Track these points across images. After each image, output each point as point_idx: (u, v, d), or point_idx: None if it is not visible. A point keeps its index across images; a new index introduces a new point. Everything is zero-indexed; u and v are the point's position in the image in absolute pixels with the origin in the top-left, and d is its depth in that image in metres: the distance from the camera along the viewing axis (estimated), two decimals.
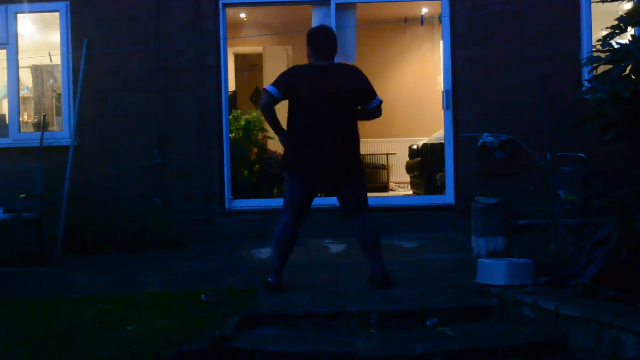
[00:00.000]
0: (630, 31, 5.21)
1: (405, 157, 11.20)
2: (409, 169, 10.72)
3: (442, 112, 7.95)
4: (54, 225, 7.27)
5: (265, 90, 5.41)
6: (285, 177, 5.49)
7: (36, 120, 9.36)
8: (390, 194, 11.38)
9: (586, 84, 5.35)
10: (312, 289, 5.44)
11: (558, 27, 7.68)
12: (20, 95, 8.43)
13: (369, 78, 5.71)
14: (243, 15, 11.16)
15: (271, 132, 9.82)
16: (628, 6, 5.47)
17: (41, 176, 7.17)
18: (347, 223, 5.62)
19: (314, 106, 5.35)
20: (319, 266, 6.01)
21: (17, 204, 6.60)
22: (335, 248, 6.97)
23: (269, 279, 5.46)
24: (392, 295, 5.18)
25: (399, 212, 7.82)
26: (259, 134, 9.63)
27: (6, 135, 8.06)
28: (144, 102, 7.86)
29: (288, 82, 5.39)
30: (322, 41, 5.50)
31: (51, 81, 9.80)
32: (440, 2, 7.95)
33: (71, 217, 7.37)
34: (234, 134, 9.03)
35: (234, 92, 11.74)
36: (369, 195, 5.78)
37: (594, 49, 5.90)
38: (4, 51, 8.01)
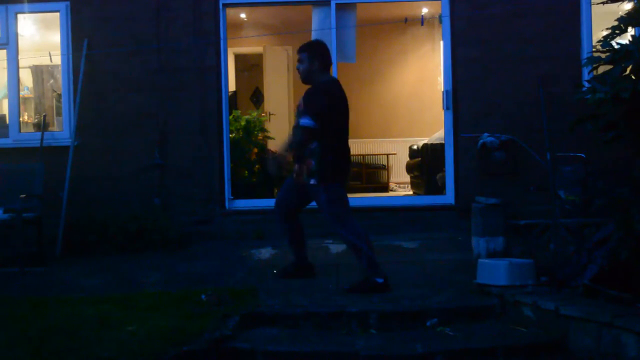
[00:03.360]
0: (630, 31, 5.20)
1: (405, 157, 11.20)
2: (409, 169, 10.72)
3: (442, 112, 7.95)
4: (54, 225, 7.27)
5: (305, 128, 5.37)
6: (329, 188, 5.39)
7: (36, 120, 9.36)
8: (390, 194, 11.37)
9: (586, 84, 5.35)
10: (312, 289, 5.44)
11: (558, 27, 7.68)
12: (20, 95, 8.43)
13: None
14: (243, 15, 11.16)
15: (271, 132, 9.90)
16: (628, 6, 5.46)
17: (41, 176, 7.17)
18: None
19: (345, 119, 5.53)
20: (319, 266, 6.01)
21: (17, 204, 6.60)
22: (335, 248, 6.96)
23: (379, 280, 5.29)
24: (392, 295, 5.18)
25: (399, 212, 7.82)
26: (259, 134, 9.63)
27: (6, 135, 8.06)
28: (144, 102, 7.86)
29: (330, 101, 5.45)
30: (327, 53, 5.61)
31: (51, 81, 9.81)
32: (440, 2, 7.95)
33: (71, 217, 7.37)
34: (234, 134, 9.03)
35: (234, 92, 11.74)
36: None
37: (594, 49, 5.90)
38: (4, 51, 8.01)
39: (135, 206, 7.51)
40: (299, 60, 5.56)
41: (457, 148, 7.81)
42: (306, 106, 5.41)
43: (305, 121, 5.36)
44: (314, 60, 5.49)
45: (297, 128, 5.46)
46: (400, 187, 11.88)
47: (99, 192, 7.68)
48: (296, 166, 5.51)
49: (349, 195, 5.65)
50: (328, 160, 5.36)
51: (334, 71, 7.51)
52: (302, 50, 5.56)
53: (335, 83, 5.61)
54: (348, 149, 5.59)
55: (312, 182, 5.39)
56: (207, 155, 7.86)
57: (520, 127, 7.53)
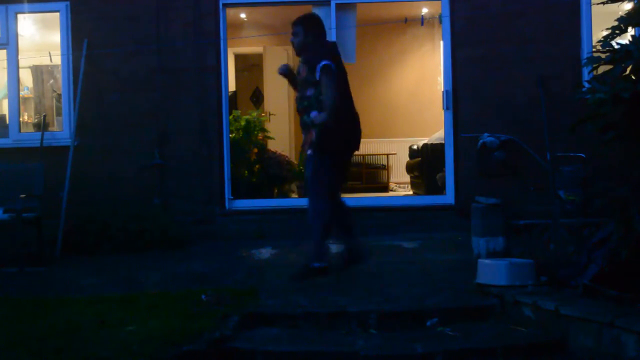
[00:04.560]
0: (630, 31, 5.20)
1: (405, 157, 11.20)
2: (409, 169, 10.72)
3: (442, 112, 7.95)
4: (54, 225, 7.27)
5: (328, 66, 5.31)
6: (317, 160, 5.38)
7: (36, 120, 9.36)
8: (390, 194, 11.37)
9: (586, 84, 5.34)
10: (312, 289, 5.43)
11: (558, 27, 7.68)
12: (20, 95, 8.44)
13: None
14: (243, 15, 11.16)
15: (271, 132, 9.90)
16: (628, 6, 5.46)
17: (41, 176, 7.17)
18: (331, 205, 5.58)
19: (345, 80, 5.47)
20: None
21: (17, 204, 6.61)
22: (335, 248, 6.95)
23: (315, 264, 5.39)
24: (392, 295, 5.18)
25: (399, 212, 7.82)
26: (259, 134, 9.63)
27: (6, 135, 8.07)
28: (144, 102, 7.86)
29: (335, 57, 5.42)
30: (321, 25, 5.62)
31: (51, 81, 9.81)
32: (440, 2, 7.96)
33: (71, 217, 7.37)
34: (234, 134, 9.03)
35: (234, 92, 11.74)
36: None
37: (594, 49, 5.90)
38: (4, 51, 8.02)
39: (135, 206, 7.50)
40: (294, 34, 5.57)
41: (457, 148, 7.81)
42: (314, 56, 5.38)
43: (324, 62, 5.32)
44: (308, 32, 5.52)
45: (322, 72, 5.32)
46: (400, 187, 11.88)
47: (99, 192, 7.67)
48: (303, 136, 5.53)
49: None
50: (327, 131, 5.32)
51: None
52: (296, 23, 5.58)
53: (334, 45, 5.63)
54: (353, 116, 5.52)
55: (309, 152, 5.43)
56: (207, 155, 7.86)
57: (520, 127, 7.53)
